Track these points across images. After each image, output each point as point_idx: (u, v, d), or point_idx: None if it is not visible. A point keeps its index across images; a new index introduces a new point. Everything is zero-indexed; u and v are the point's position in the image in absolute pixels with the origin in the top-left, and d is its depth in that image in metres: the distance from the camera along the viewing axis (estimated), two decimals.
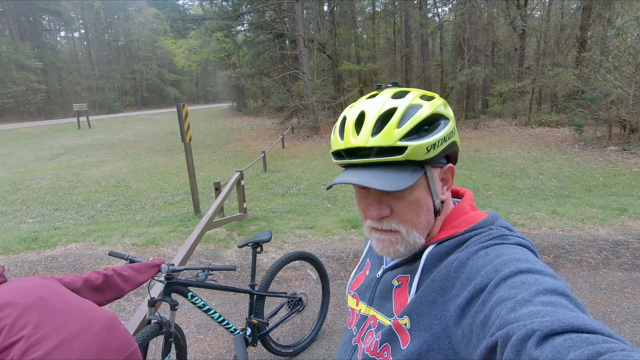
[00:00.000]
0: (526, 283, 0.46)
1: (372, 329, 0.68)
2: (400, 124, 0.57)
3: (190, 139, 5.45)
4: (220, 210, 4.53)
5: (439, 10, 22.50)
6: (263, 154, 9.19)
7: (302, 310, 2.55)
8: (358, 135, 0.59)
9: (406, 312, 0.60)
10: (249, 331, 2.16)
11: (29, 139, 18.44)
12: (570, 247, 3.75)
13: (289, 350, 2.40)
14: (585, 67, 12.50)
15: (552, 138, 12.25)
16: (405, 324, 0.60)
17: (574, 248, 3.73)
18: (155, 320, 1.76)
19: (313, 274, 2.67)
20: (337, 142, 0.62)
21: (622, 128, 10.16)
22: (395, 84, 0.66)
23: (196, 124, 22.05)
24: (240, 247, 2.17)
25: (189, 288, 1.90)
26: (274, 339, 2.40)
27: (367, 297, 0.73)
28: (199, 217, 5.47)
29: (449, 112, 0.62)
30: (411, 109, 0.58)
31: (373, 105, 0.60)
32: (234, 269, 1.90)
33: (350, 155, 0.60)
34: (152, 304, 1.81)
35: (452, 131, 0.61)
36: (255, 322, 2.14)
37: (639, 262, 3.41)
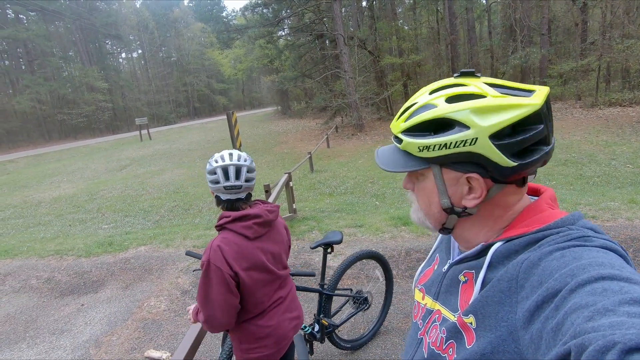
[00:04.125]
0: (609, 290, 0.42)
1: (437, 323, 0.68)
2: (408, 118, 0.63)
3: (240, 145, 5.70)
4: None
5: None
6: (309, 155, 9.33)
7: (367, 309, 2.58)
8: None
9: (471, 311, 0.59)
10: (316, 327, 2.22)
11: (100, 152, 20.48)
12: None
13: (348, 345, 2.45)
14: None
15: (625, 119, 10.98)
16: (471, 323, 0.59)
17: None
18: None
19: (380, 274, 2.68)
20: None
21: None
22: (466, 73, 0.62)
23: (244, 129, 22.97)
24: (312, 248, 2.23)
25: None
26: (338, 334, 2.47)
27: (433, 292, 0.73)
28: None
29: (477, 120, 0.55)
30: (424, 108, 0.61)
31: (415, 95, 0.66)
32: (313, 275, 1.99)
33: None
34: None
35: (466, 140, 0.56)
36: (326, 324, 2.21)
37: None
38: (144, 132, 24.68)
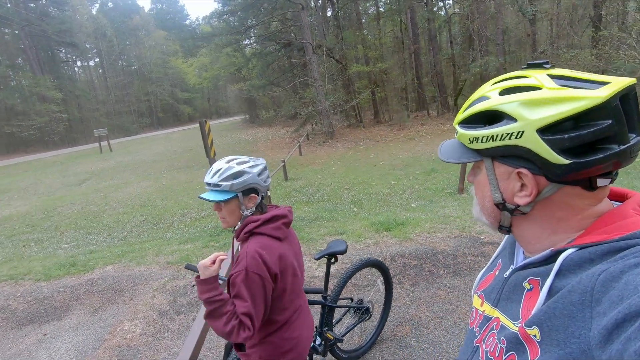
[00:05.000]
0: None
1: (495, 331, 0.64)
2: (465, 109, 0.63)
3: (214, 154, 5.50)
4: None
5: (445, 3, 22.26)
6: (283, 163, 9.21)
7: (368, 319, 2.51)
8: None
9: (536, 322, 0.54)
10: (318, 340, 2.13)
11: (55, 166, 19.14)
12: None
13: (346, 357, 2.37)
14: (604, 46, 12.03)
15: None
16: (535, 335, 0.53)
17: None
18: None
19: (381, 283, 2.63)
20: None
21: None
22: (534, 65, 0.59)
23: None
24: (316, 259, 2.14)
25: None
26: (339, 345, 2.39)
27: (493, 298, 0.69)
28: (229, 231, 5.49)
29: (525, 112, 0.54)
30: (479, 100, 0.61)
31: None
32: (321, 292, 2.03)
33: None
34: None
35: (512, 133, 0.55)
36: (331, 337, 2.12)
37: None
38: (104, 143, 23.42)
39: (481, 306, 0.72)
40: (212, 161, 5.53)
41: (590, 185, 0.55)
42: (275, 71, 22.40)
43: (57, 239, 6.82)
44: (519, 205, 0.60)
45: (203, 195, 1.34)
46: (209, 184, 1.35)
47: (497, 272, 0.74)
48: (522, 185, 0.58)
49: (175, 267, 4.31)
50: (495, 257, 0.78)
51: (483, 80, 18.03)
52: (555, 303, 0.52)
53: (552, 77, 0.55)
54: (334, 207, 6.65)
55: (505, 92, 0.58)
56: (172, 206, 8.32)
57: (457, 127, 0.64)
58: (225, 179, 1.32)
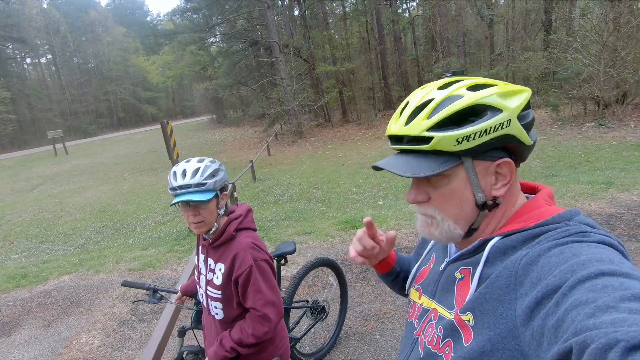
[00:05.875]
0: (609, 287, 0.41)
1: (433, 322, 0.67)
2: (431, 114, 0.59)
3: (177, 156, 5.34)
4: None
5: (409, 5, 22.86)
6: (251, 164, 9.10)
7: (324, 318, 2.52)
8: (396, 123, 0.63)
9: (469, 308, 0.58)
10: None
11: (3, 171, 17.77)
12: None
13: (311, 359, 2.37)
14: (554, 49, 12.87)
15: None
16: (469, 320, 0.58)
17: None
18: (191, 351, 1.69)
19: (334, 280, 2.64)
20: (388, 128, 0.67)
21: (596, 104, 10.49)
22: (457, 73, 0.64)
23: (177, 140, 21.67)
24: None
25: None
26: (298, 348, 2.37)
27: (430, 290, 0.72)
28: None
29: (505, 103, 0.58)
30: (448, 100, 0.59)
31: (418, 95, 0.63)
32: None
33: (393, 141, 0.65)
34: (183, 333, 1.74)
35: (503, 123, 0.57)
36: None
37: (634, 233, 3.50)
38: (59, 146, 22.02)
39: (419, 299, 0.75)
40: (175, 163, 5.37)
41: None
42: (243, 70, 22.01)
43: (6, 249, 6.34)
44: (496, 198, 0.62)
45: (187, 198, 1.24)
46: (187, 186, 1.25)
47: (431, 266, 0.77)
48: (496, 177, 0.61)
49: (138, 274, 4.15)
50: (429, 251, 0.81)
51: None
52: (486, 288, 0.56)
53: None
54: (302, 206, 6.66)
55: (472, 89, 0.59)
56: (135, 210, 7.98)
57: (430, 133, 0.58)
58: (208, 177, 1.29)
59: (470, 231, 0.64)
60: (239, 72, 21.77)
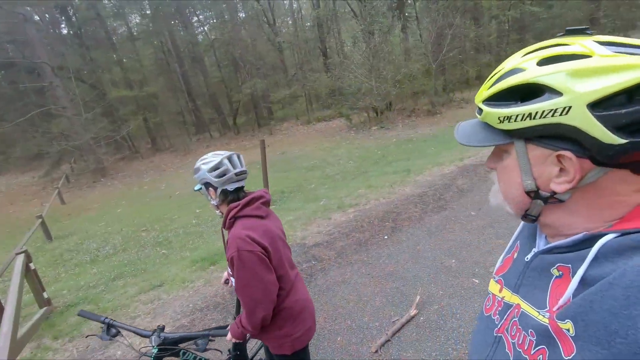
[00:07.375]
0: None
1: (516, 319, 0.60)
2: (491, 85, 0.55)
3: None
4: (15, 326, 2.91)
5: (204, 28, 22.81)
6: (41, 219, 6.82)
7: None
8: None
9: (570, 316, 0.49)
10: None
11: None
12: (398, 209, 4.60)
13: None
14: (333, 70, 15.54)
15: (331, 129, 14.71)
16: (568, 330, 0.49)
17: (400, 209, 4.60)
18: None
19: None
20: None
21: (375, 112, 13.32)
22: (572, 31, 0.51)
23: None
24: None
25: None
26: None
27: (513, 283, 0.64)
28: None
29: (573, 85, 0.46)
30: (510, 73, 0.53)
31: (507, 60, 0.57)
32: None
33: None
34: None
35: (556, 110, 0.47)
36: None
37: (442, 203, 4.55)
38: None
39: (500, 292, 0.67)
40: None
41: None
42: None
43: None
44: (555, 193, 0.53)
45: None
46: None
47: (515, 255, 0.68)
48: (561, 170, 0.51)
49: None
50: (514, 239, 0.73)
51: (254, 100, 19.58)
52: (593, 296, 0.47)
53: (602, 43, 0.48)
54: (134, 257, 5.47)
55: (544, 62, 0.50)
56: None
57: (482, 105, 0.56)
58: (194, 172, 1.49)
59: (527, 217, 0.59)
60: None
